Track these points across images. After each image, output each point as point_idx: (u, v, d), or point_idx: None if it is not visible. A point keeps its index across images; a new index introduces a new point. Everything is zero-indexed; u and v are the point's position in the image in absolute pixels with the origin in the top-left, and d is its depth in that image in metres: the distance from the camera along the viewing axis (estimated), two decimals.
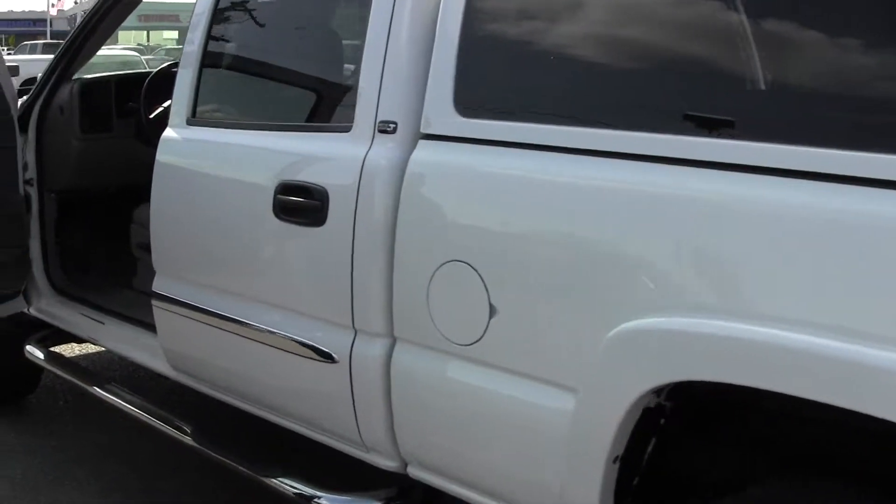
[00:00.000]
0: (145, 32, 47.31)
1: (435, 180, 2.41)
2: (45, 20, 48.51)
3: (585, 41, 2.25)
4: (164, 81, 4.26)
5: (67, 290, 4.20)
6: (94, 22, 3.97)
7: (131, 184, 4.53)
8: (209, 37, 3.20)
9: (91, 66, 4.40)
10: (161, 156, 3.25)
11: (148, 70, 4.78)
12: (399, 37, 2.53)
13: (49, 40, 32.10)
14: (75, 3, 53.40)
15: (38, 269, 4.23)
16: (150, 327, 3.56)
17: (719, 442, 2.14)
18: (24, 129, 4.15)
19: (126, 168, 4.38)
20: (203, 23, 3.19)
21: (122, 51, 26.58)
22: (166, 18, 43.83)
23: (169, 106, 4.24)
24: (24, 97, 4.28)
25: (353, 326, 2.59)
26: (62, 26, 46.17)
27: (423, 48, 2.48)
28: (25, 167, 4.15)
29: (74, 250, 4.40)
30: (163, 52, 30.68)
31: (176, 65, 4.52)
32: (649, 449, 2.05)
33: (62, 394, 4.80)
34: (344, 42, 2.98)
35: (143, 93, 4.17)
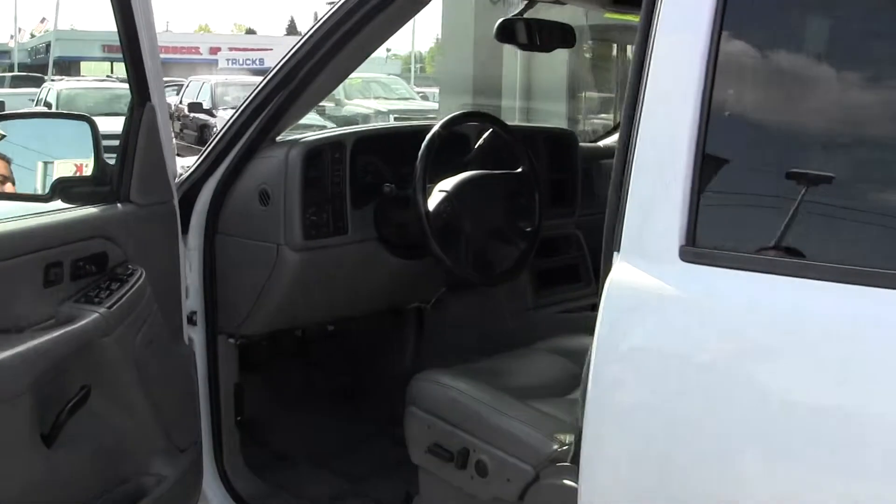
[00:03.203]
0: (109, 63, 44.88)
1: None
2: (6, 52, 45.65)
3: None
4: (440, 146, 2.48)
5: None
6: (335, 42, 2.18)
7: (372, 316, 2.77)
8: (712, 89, 1.46)
9: None
10: (617, 326, 1.53)
11: (393, 124, 2.93)
12: None
13: (17, 73, 29.61)
14: (31, 35, 50.99)
15: (208, 469, 2.43)
16: None
17: None
18: (184, 230, 2.37)
19: (363, 294, 2.60)
20: (698, 59, 1.44)
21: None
22: None
23: (444, 191, 2.47)
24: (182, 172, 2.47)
25: None
26: (23, 58, 43.57)
27: None
28: (186, 292, 2.37)
29: (275, 436, 2.61)
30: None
31: (455, 121, 2.67)
32: None
33: None
34: None
35: (420, 170, 2.36)
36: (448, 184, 2.46)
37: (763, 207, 1.53)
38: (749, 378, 1.41)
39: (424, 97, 18.85)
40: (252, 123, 2.34)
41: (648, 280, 1.50)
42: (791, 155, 1.52)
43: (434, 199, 2.41)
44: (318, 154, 2.38)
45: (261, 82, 2.34)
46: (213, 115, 15.29)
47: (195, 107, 15.97)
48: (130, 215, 2.10)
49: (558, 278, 2.97)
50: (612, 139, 3.71)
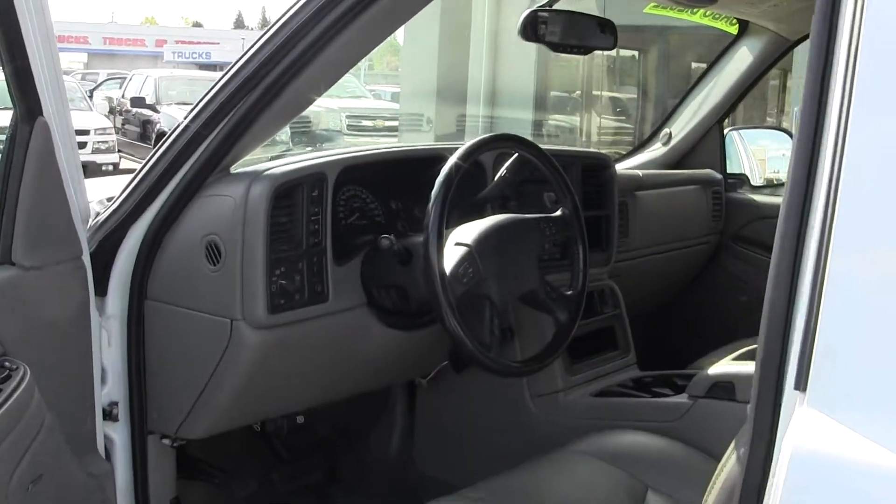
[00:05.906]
0: None
1: None
2: None
3: None
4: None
5: None
6: (324, 30, 1.51)
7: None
8: None
9: None
10: None
11: (385, 148, 2.22)
12: None
13: None
14: None
15: None
16: None
17: None
18: (101, 291, 1.68)
19: (345, 376, 1.94)
20: None
21: None
22: (74, 40, 40.19)
23: (462, 244, 1.78)
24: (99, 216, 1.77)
25: None
26: None
27: None
28: (103, 376, 1.69)
29: None
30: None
31: (479, 149, 1.93)
32: None
33: None
34: None
35: (435, 217, 1.68)
36: (466, 234, 1.78)
37: None
38: None
39: (377, 96, 18.10)
40: (197, 147, 1.65)
41: (864, 447, 0.87)
42: None
43: (450, 256, 1.73)
44: (291, 192, 1.69)
45: (210, 88, 1.65)
46: (156, 111, 14.45)
47: (138, 101, 15.07)
48: (10, 285, 1.41)
49: (592, 346, 2.31)
50: (637, 160, 3.06)
